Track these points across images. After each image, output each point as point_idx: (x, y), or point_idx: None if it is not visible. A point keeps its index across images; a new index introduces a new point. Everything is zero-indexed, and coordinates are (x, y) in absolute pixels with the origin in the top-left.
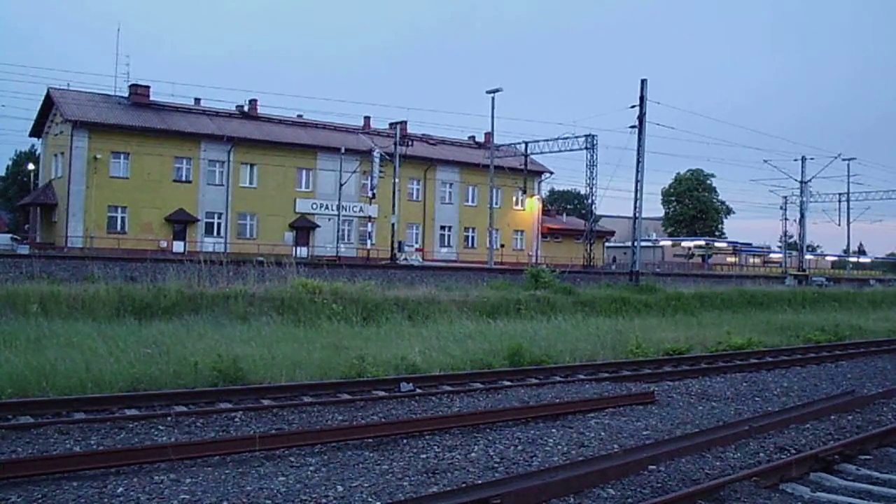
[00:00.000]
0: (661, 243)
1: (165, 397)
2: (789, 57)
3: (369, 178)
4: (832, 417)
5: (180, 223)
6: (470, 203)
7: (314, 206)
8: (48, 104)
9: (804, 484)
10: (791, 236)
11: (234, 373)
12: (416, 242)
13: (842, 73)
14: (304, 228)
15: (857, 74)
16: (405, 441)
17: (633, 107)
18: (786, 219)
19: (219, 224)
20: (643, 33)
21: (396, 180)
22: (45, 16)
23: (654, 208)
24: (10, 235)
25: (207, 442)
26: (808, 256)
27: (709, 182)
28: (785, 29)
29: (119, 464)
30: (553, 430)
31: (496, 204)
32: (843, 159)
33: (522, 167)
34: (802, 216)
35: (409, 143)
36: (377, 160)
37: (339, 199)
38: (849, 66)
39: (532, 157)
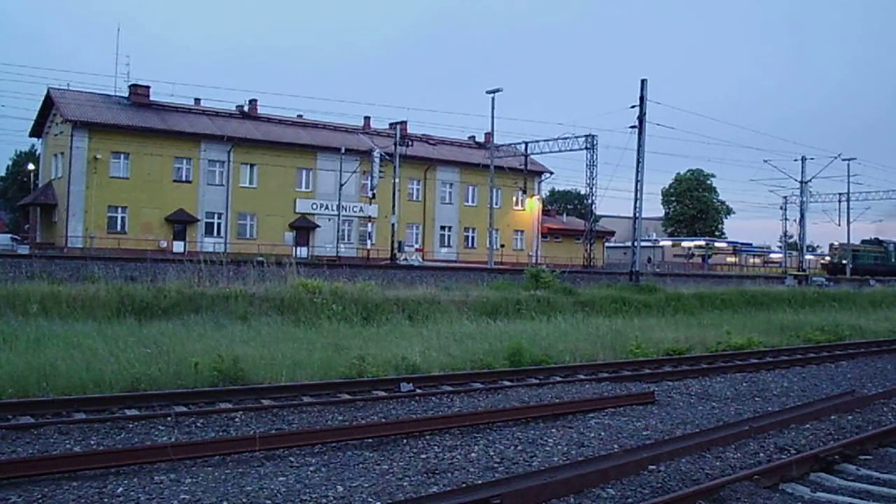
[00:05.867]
0: (661, 243)
1: (165, 397)
2: (784, 55)
3: (369, 178)
4: (832, 417)
5: (180, 223)
6: (470, 203)
7: (314, 206)
8: (48, 104)
9: (804, 484)
10: (791, 236)
11: (234, 373)
12: (416, 242)
13: (840, 72)
14: (304, 228)
15: (856, 73)
16: (405, 441)
17: (633, 107)
18: (786, 219)
19: (219, 224)
20: (643, 33)
21: (396, 180)
22: (45, 16)
23: (654, 208)
24: (10, 235)
25: (207, 442)
26: (808, 256)
27: (709, 182)
28: (778, 27)
29: (119, 464)
30: (553, 430)
31: (496, 204)
32: (843, 159)
33: (522, 167)
34: (802, 216)
35: (409, 143)
36: (377, 160)
37: (339, 199)
38: (847, 65)
39: (532, 157)
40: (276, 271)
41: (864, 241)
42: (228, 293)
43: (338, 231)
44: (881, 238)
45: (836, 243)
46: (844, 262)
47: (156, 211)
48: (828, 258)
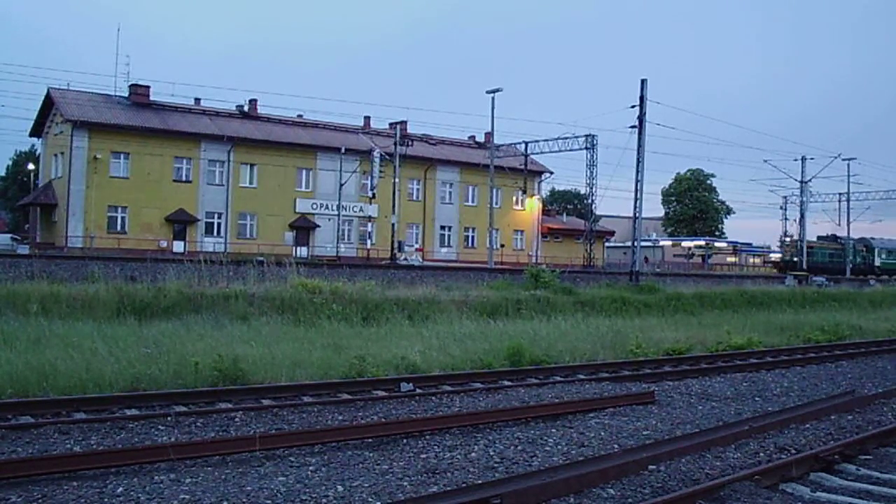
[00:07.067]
0: (661, 243)
1: (165, 397)
2: (784, 55)
3: (369, 178)
4: (832, 417)
5: (180, 223)
6: (470, 203)
7: (314, 206)
8: (48, 104)
9: (804, 484)
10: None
11: (234, 373)
12: (416, 242)
13: (840, 72)
14: (304, 228)
15: (856, 73)
16: (405, 441)
17: (633, 107)
18: (786, 219)
19: (219, 224)
20: (643, 33)
21: (396, 180)
22: (45, 16)
23: (654, 208)
24: (10, 235)
25: (207, 442)
26: None
27: (709, 182)
28: (779, 27)
29: (119, 464)
30: (553, 430)
31: (496, 204)
32: (843, 159)
33: (522, 167)
34: (802, 216)
35: (409, 143)
36: (377, 160)
37: (339, 199)
38: (847, 65)
39: (532, 157)
40: (276, 271)
41: (819, 238)
42: (228, 293)
43: (338, 231)
44: (838, 235)
45: (787, 239)
46: (796, 259)
47: (156, 211)
48: (777, 255)
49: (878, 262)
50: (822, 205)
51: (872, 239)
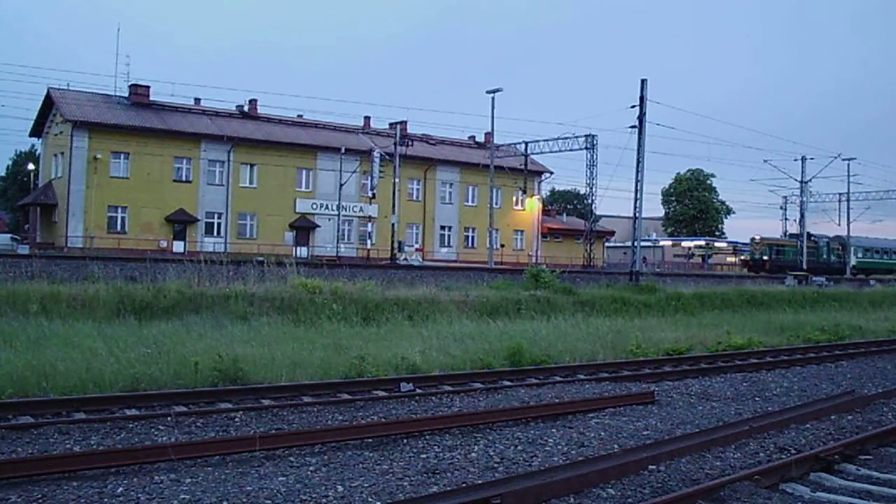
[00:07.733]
0: (661, 243)
1: (165, 397)
2: (784, 55)
3: (369, 178)
4: (832, 417)
5: (180, 223)
6: (470, 203)
7: (314, 206)
8: (48, 104)
9: (804, 484)
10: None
11: (234, 373)
12: (416, 242)
13: (840, 72)
14: (304, 228)
15: (856, 73)
16: (405, 441)
17: (633, 107)
18: (786, 219)
19: (219, 224)
20: (643, 33)
21: (396, 180)
22: (45, 15)
23: (654, 208)
24: (10, 235)
25: (207, 442)
26: None
27: (709, 182)
28: (778, 27)
29: (119, 464)
30: (553, 430)
31: (496, 204)
32: (843, 159)
33: (522, 167)
34: (802, 216)
35: (409, 143)
36: (377, 160)
37: (339, 199)
38: (847, 65)
39: (532, 157)
40: (276, 271)
41: (790, 236)
42: (228, 293)
43: (338, 231)
44: (811, 232)
45: (757, 237)
46: (766, 258)
47: (156, 211)
48: (746, 254)
49: (853, 261)
50: (822, 205)
51: (849, 237)
